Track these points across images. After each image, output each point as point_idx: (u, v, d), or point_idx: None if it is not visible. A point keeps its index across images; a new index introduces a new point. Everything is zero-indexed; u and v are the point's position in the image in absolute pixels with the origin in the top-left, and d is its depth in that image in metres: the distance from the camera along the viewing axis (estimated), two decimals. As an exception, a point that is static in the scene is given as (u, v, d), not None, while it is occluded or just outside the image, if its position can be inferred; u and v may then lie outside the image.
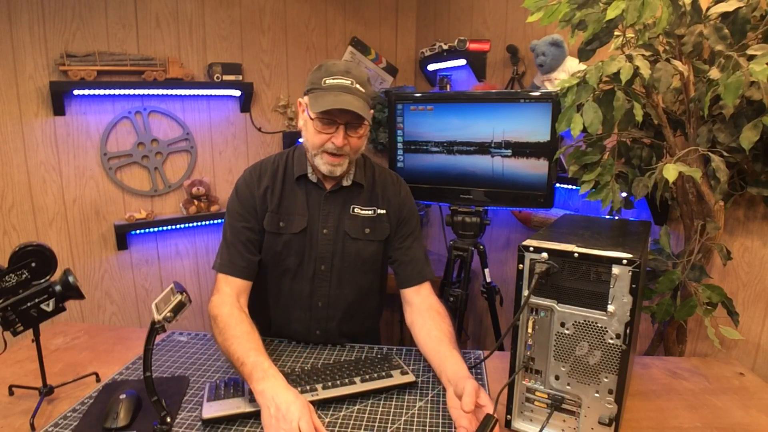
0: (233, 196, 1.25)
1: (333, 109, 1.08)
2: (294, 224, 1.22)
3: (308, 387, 0.99)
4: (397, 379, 1.03)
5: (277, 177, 1.24)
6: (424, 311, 1.19)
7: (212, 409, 0.92)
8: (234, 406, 0.93)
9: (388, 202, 1.27)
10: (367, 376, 1.03)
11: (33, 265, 0.96)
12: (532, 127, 1.56)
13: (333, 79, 1.11)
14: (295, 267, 1.24)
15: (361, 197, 1.25)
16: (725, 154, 1.07)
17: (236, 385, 1.00)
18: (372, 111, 1.20)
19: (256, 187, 1.23)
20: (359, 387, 1.00)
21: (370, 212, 1.25)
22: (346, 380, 1.02)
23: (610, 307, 0.80)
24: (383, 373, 1.04)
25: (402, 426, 0.92)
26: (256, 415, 0.94)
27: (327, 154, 1.14)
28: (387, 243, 1.28)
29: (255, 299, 1.33)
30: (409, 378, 1.04)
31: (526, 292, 0.87)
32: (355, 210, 1.24)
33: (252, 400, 0.95)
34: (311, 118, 1.12)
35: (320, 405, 0.98)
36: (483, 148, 1.65)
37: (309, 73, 1.18)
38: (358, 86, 1.12)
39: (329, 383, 1.00)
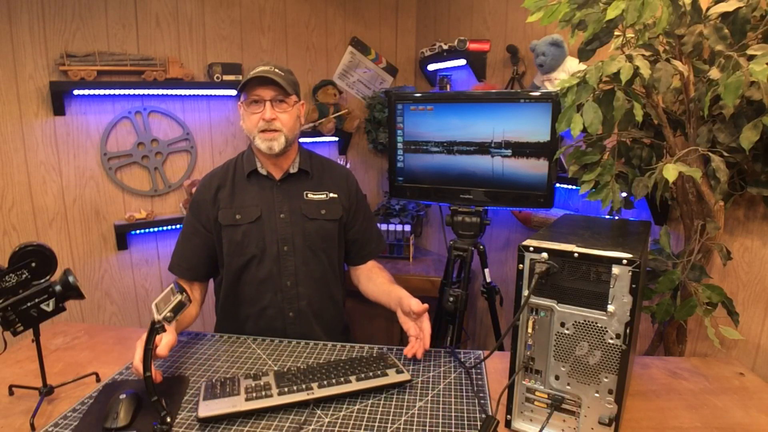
0: (190, 204, 1.42)
1: (255, 82, 1.26)
2: (249, 214, 1.35)
3: (304, 386, 0.99)
4: (392, 377, 1.04)
5: (227, 177, 1.39)
6: (368, 271, 1.48)
7: (208, 408, 0.93)
8: (230, 404, 0.94)
9: (338, 187, 1.44)
10: (363, 375, 1.03)
11: (33, 265, 0.96)
12: (532, 127, 1.55)
13: (256, 69, 1.29)
14: (260, 252, 1.35)
15: (311, 184, 1.41)
16: (725, 154, 1.06)
17: (232, 383, 1.00)
18: (307, 106, 1.42)
19: (207, 190, 1.38)
20: (355, 386, 1.00)
21: (322, 196, 1.40)
22: (342, 379, 1.02)
23: (610, 307, 0.80)
24: (378, 372, 1.05)
25: (402, 426, 0.92)
26: (253, 414, 0.94)
27: (262, 132, 1.29)
28: (341, 224, 1.43)
29: (227, 301, 1.41)
30: (404, 377, 1.04)
31: (526, 292, 0.87)
32: (309, 195, 1.39)
33: (248, 398, 0.95)
34: (244, 105, 1.31)
35: (318, 404, 0.98)
36: (483, 148, 1.65)
37: None
38: (276, 70, 1.29)
39: (325, 382, 1.01)
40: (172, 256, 1.40)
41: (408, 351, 1.16)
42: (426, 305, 1.17)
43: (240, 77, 2.25)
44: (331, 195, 1.41)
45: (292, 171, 1.39)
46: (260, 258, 1.34)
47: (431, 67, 2.44)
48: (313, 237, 1.37)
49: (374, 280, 1.44)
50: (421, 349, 1.16)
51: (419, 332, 1.18)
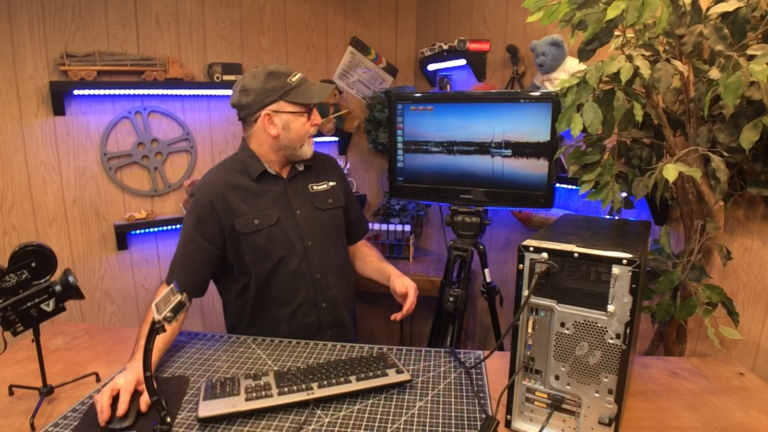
0: (190, 218, 1.32)
1: (315, 91, 1.32)
2: (268, 217, 1.33)
3: (304, 386, 0.99)
4: (392, 377, 1.04)
5: (230, 184, 1.33)
6: (358, 250, 1.59)
7: (208, 408, 0.93)
8: (230, 404, 0.94)
9: (333, 175, 1.49)
10: (363, 375, 1.03)
11: (33, 265, 0.96)
12: (532, 127, 1.55)
13: (294, 76, 1.31)
14: (288, 253, 1.34)
15: (312, 176, 1.44)
16: (725, 154, 1.06)
17: (232, 384, 1.00)
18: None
19: (211, 203, 1.30)
20: (355, 386, 1.01)
21: (324, 186, 1.45)
22: (342, 379, 1.02)
23: (610, 307, 0.80)
24: (378, 372, 1.05)
25: (402, 426, 0.92)
26: (254, 414, 0.94)
27: (311, 137, 1.36)
28: (344, 209, 1.49)
29: (255, 308, 1.37)
30: (404, 377, 1.04)
31: (526, 292, 0.87)
32: (314, 188, 1.43)
33: (248, 399, 0.95)
34: (299, 114, 1.31)
35: (319, 404, 0.98)
36: (483, 148, 1.65)
37: (259, 84, 1.29)
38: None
39: (325, 382, 1.01)
40: (171, 271, 1.32)
41: (393, 316, 1.34)
42: (405, 290, 1.35)
43: (238, 77, 2.25)
44: (331, 183, 1.46)
45: (300, 168, 1.41)
46: (288, 258, 1.34)
47: (431, 67, 2.44)
48: (329, 227, 1.42)
49: (365, 259, 1.57)
50: (399, 316, 1.34)
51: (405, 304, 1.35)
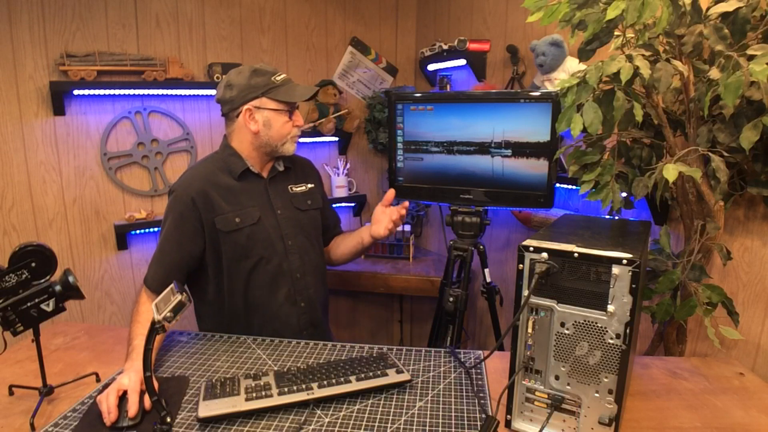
0: (170, 215, 1.29)
1: (299, 92, 1.33)
2: (249, 216, 1.33)
3: (304, 386, 0.99)
4: (392, 377, 1.04)
5: (210, 181, 1.32)
6: (333, 241, 1.62)
7: (208, 408, 0.93)
8: (230, 404, 0.94)
9: (312, 177, 1.52)
10: (363, 375, 1.03)
11: (33, 265, 0.96)
12: (532, 127, 1.55)
13: (279, 75, 1.33)
14: (268, 252, 1.35)
15: (292, 178, 1.46)
16: (725, 154, 1.06)
17: (232, 384, 1.00)
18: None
19: (193, 201, 1.28)
20: (355, 386, 1.01)
21: (303, 188, 1.47)
22: (342, 379, 1.02)
23: (610, 307, 0.80)
24: (378, 372, 1.05)
25: (402, 426, 0.92)
26: (253, 414, 0.94)
27: (294, 137, 1.37)
28: (321, 211, 1.52)
29: (233, 309, 1.36)
30: (404, 377, 1.04)
31: (526, 292, 0.87)
32: (293, 189, 1.45)
33: (248, 399, 0.95)
34: (282, 112, 1.32)
35: (318, 404, 0.98)
36: (483, 148, 1.65)
37: (243, 80, 1.31)
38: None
39: (325, 382, 1.01)
40: (150, 269, 1.28)
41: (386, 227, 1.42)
42: (392, 190, 1.50)
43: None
44: (309, 185, 1.49)
45: (280, 169, 1.43)
46: (268, 258, 1.34)
47: (431, 67, 2.44)
48: (308, 227, 1.45)
49: (339, 243, 1.59)
50: (395, 214, 1.43)
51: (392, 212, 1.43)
